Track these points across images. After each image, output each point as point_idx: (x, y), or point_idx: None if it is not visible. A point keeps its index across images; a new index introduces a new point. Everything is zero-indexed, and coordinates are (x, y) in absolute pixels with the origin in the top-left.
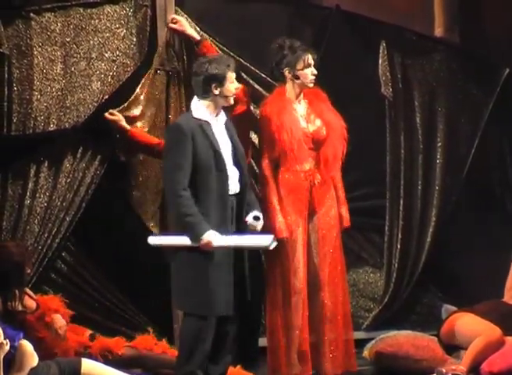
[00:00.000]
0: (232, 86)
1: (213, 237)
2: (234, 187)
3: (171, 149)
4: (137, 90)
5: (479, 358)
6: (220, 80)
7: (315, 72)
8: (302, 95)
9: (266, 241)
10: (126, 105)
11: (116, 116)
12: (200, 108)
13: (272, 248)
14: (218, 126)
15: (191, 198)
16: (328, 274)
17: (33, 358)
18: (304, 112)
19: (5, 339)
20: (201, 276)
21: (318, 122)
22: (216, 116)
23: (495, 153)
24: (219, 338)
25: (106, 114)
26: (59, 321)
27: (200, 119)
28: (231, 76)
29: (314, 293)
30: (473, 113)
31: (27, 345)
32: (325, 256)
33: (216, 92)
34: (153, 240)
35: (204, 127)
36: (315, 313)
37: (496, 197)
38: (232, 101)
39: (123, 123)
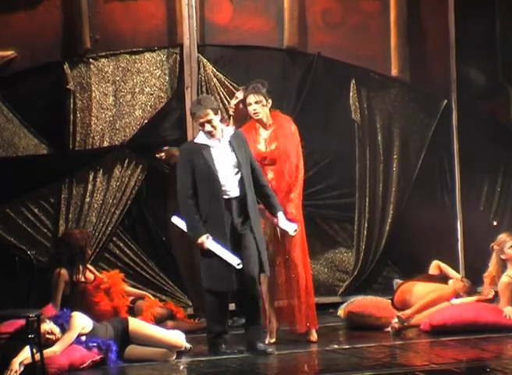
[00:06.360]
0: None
1: (205, 240)
2: (234, 192)
3: (179, 169)
4: None
5: (427, 307)
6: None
7: (255, 108)
8: (270, 122)
9: (235, 261)
10: None
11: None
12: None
13: (238, 267)
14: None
15: (194, 205)
16: (288, 257)
17: (81, 323)
18: (267, 137)
19: (61, 324)
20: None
21: (274, 145)
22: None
23: (436, 163)
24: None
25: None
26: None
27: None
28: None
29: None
30: (420, 133)
31: (76, 315)
32: (283, 242)
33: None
34: (175, 219)
35: (202, 150)
36: (278, 284)
37: (437, 195)
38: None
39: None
